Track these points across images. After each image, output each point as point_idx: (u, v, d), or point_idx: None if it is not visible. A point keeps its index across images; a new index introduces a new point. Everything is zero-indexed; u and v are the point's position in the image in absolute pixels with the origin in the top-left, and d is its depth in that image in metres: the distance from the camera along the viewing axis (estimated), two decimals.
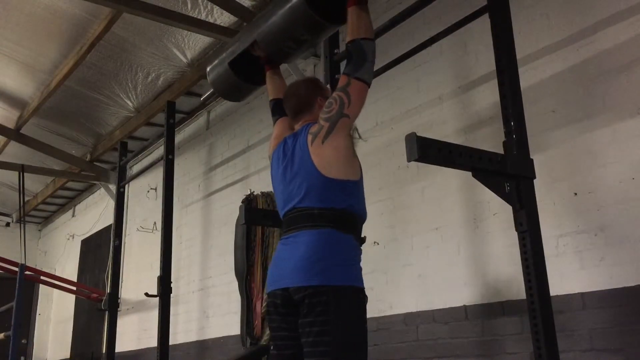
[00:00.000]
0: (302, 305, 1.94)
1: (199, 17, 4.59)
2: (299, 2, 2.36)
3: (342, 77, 2.10)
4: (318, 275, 1.93)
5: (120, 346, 6.05)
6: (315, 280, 1.93)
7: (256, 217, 3.27)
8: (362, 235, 2.15)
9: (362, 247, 2.11)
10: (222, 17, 4.66)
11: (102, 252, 7.99)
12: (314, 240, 1.99)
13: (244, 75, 2.79)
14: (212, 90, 3.02)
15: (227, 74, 2.80)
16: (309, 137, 2.10)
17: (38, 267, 8.94)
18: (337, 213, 2.02)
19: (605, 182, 2.80)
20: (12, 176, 7.95)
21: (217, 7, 4.48)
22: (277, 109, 2.49)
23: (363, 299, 2.00)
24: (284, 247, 2.09)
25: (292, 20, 2.42)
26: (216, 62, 2.89)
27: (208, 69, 2.95)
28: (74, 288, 7.49)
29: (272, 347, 2.11)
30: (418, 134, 2.09)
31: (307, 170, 2.07)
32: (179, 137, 6.35)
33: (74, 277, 8.57)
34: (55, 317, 9.74)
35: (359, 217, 2.11)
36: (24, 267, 6.26)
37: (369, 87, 2.09)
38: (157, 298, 4.73)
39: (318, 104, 2.25)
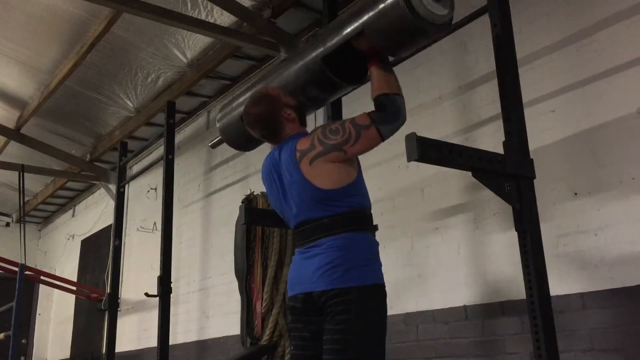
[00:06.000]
0: (325, 307, 1.96)
1: (199, 17, 4.59)
2: (315, 63, 2.34)
3: (365, 116, 2.01)
4: (341, 278, 1.95)
5: (120, 346, 6.04)
6: (338, 283, 1.94)
7: (256, 217, 3.27)
8: (374, 224, 2.16)
9: None
10: (222, 17, 4.66)
11: (102, 252, 7.98)
12: (333, 246, 1.99)
13: None
14: (219, 137, 3.05)
15: (239, 126, 2.75)
16: (297, 155, 2.07)
17: (38, 267, 8.92)
18: (346, 216, 2.02)
19: (605, 182, 2.80)
20: (12, 176, 7.95)
21: (217, 7, 4.47)
22: None
23: (384, 295, 2.02)
24: (302, 256, 2.09)
25: (307, 80, 2.41)
26: (227, 113, 2.89)
27: (218, 121, 2.96)
28: (74, 288, 7.49)
29: (292, 348, 2.14)
30: (418, 134, 2.09)
31: (302, 186, 2.06)
32: (179, 137, 6.34)
33: (74, 277, 8.56)
34: (55, 317, 9.73)
35: (367, 209, 2.12)
36: (24, 267, 6.24)
37: (382, 142, 2.04)
38: (157, 298, 4.72)
39: (285, 117, 2.18)
